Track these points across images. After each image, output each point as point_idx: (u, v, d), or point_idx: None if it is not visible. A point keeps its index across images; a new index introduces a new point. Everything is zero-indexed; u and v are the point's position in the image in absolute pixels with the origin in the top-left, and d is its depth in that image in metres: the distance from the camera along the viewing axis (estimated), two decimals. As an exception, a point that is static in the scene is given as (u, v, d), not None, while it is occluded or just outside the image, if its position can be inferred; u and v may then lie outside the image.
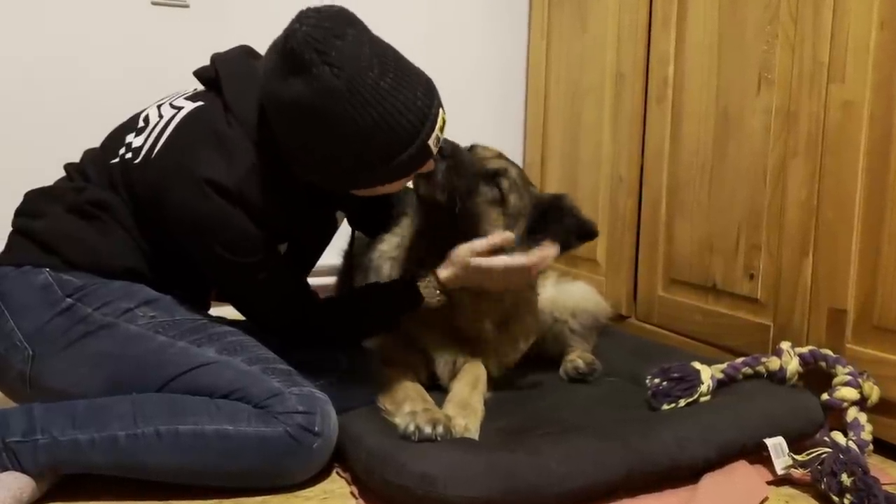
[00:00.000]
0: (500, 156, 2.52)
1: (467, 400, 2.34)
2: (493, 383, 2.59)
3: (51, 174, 2.37)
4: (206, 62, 2.29)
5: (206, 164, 2.09)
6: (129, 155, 2.23)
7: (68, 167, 2.36)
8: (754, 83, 2.73)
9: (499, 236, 2.36)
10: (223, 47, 2.32)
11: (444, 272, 2.36)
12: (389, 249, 2.62)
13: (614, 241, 3.44)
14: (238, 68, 2.25)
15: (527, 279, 2.51)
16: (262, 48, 2.18)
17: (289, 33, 1.96)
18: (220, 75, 2.23)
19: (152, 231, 2.21)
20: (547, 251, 2.38)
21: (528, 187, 2.50)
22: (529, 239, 2.43)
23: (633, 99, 3.31)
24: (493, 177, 2.42)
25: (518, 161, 2.69)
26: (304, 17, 1.97)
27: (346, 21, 2.00)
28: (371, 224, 2.69)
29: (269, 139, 2.12)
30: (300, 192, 2.22)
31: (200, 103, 2.24)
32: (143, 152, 2.20)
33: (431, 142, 2.10)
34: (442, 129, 2.13)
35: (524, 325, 2.68)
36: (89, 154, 2.36)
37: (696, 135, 3.00)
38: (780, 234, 2.65)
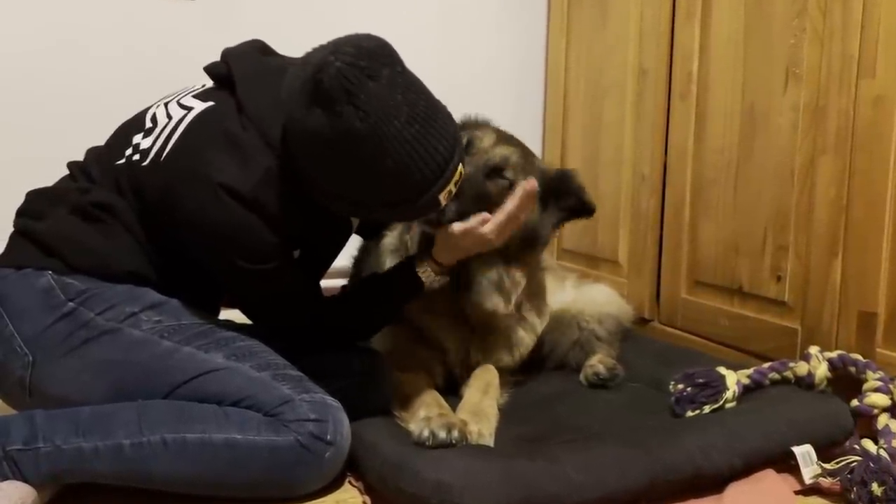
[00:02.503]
0: (497, 135, 2.47)
1: (479, 405, 2.32)
2: (509, 382, 2.60)
3: (52, 172, 2.33)
4: (213, 56, 2.25)
5: (219, 169, 2.05)
6: (136, 157, 2.19)
7: (71, 165, 2.33)
8: (781, 78, 2.68)
9: (479, 217, 2.28)
10: (230, 41, 2.28)
11: (435, 249, 2.32)
12: (390, 243, 2.62)
13: (637, 241, 3.40)
14: (252, 66, 2.22)
15: (516, 226, 2.37)
16: (268, 41, 2.14)
17: (321, 65, 1.90)
18: (234, 73, 2.19)
19: (159, 235, 2.18)
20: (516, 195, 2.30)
21: (531, 162, 2.48)
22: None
23: (656, 96, 3.27)
24: (497, 171, 2.38)
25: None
26: (341, 52, 1.91)
27: (383, 60, 1.95)
28: (375, 230, 2.67)
29: (286, 146, 2.08)
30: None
31: (211, 104, 2.20)
32: (152, 155, 2.16)
33: (442, 196, 2.09)
34: (457, 183, 2.11)
35: (535, 306, 2.69)
36: (93, 152, 2.33)
37: (721, 132, 2.96)
38: (808, 235, 2.60)
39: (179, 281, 2.23)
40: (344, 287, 2.46)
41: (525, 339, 2.65)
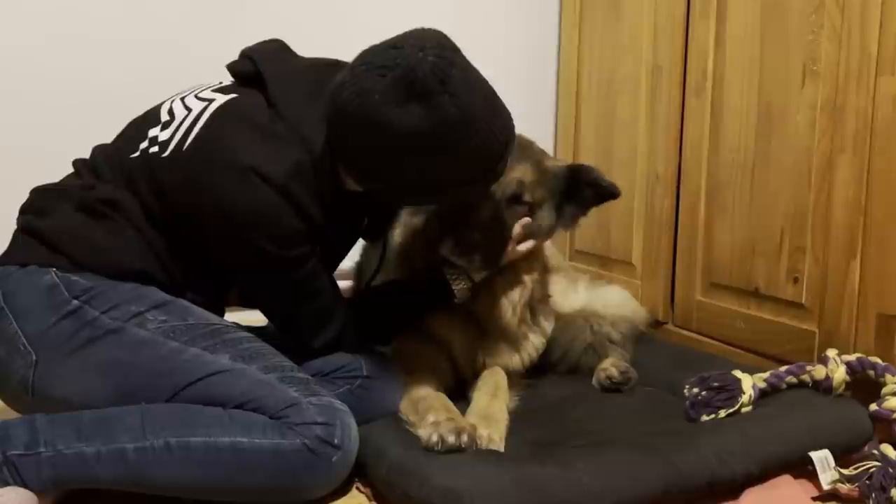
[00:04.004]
0: None
1: (488, 409, 2.31)
2: (519, 385, 2.59)
3: (56, 169, 2.32)
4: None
5: (249, 153, 2.08)
6: (153, 149, 2.18)
7: (77, 163, 2.31)
8: (798, 76, 2.64)
9: (519, 229, 2.44)
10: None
11: (476, 275, 2.42)
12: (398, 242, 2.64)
13: (651, 242, 3.37)
14: (281, 66, 2.25)
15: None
16: (275, 35, 2.11)
17: (416, 63, 1.97)
18: (264, 72, 2.21)
19: (171, 231, 2.17)
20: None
21: (544, 170, 2.50)
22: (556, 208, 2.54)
23: (671, 93, 3.24)
24: (516, 198, 2.43)
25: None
26: (426, 48, 2.00)
27: (452, 48, 2.06)
28: (378, 232, 2.65)
29: (321, 142, 2.12)
30: (341, 197, 2.21)
31: (235, 95, 2.22)
32: (172, 145, 2.16)
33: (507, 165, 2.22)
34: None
35: (544, 310, 2.70)
36: (101, 149, 2.31)
37: (736, 130, 2.92)
38: (825, 236, 2.57)
39: (186, 281, 2.21)
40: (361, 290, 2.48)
41: (535, 342, 2.65)
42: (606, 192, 2.52)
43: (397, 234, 2.60)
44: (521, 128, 2.52)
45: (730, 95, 2.96)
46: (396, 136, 2.00)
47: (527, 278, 2.54)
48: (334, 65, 2.24)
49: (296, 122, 2.13)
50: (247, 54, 2.27)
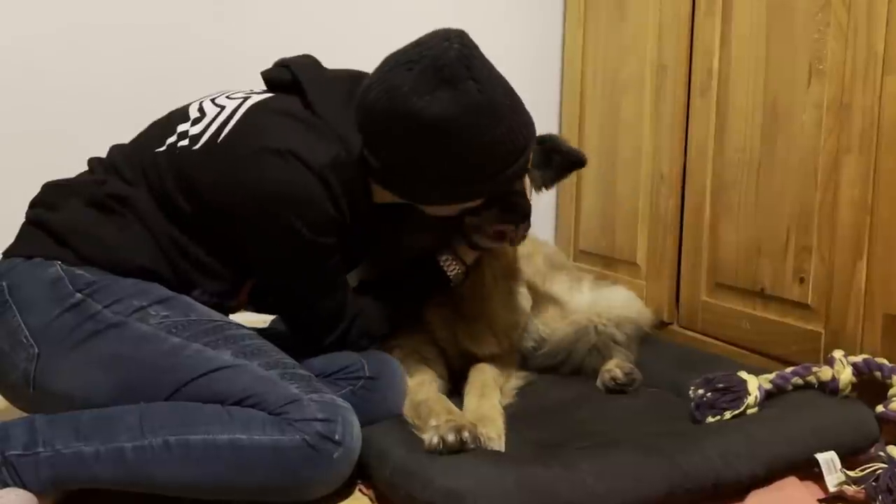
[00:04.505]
0: None
1: (479, 410, 2.30)
2: (514, 378, 2.61)
3: (66, 164, 2.33)
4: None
5: (289, 139, 2.13)
6: (183, 143, 2.21)
7: (93, 161, 2.33)
8: (804, 75, 2.63)
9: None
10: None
11: (468, 256, 2.47)
12: None
13: (655, 243, 3.36)
14: (317, 74, 2.31)
15: None
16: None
17: (441, 52, 2.06)
18: (301, 79, 2.25)
19: (197, 227, 2.18)
20: None
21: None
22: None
23: (676, 92, 3.23)
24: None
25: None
26: (451, 38, 2.09)
27: (472, 43, 2.14)
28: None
29: (358, 146, 2.17)
30: (368, 204, 2.27)
31: (271, 95, 2.28)
32: (206, 138, 2.19)
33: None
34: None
35: (522, 292, 2.72)
36: (118, 149, 2.33)
37: (742, 130, 2.91)
38: (832, 236, 2.56)
39: (195, 279, 2.22)
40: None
41: (512, 321, 2.65)
42: (573, 157, 2.54)
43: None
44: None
45: (735, 95, 2.95)
46: (425, 124, 2.06)
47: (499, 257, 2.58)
48: (363, 76, 2.27)
49: (334, 123, 2.17)
50: (282, 63, 2.32)
